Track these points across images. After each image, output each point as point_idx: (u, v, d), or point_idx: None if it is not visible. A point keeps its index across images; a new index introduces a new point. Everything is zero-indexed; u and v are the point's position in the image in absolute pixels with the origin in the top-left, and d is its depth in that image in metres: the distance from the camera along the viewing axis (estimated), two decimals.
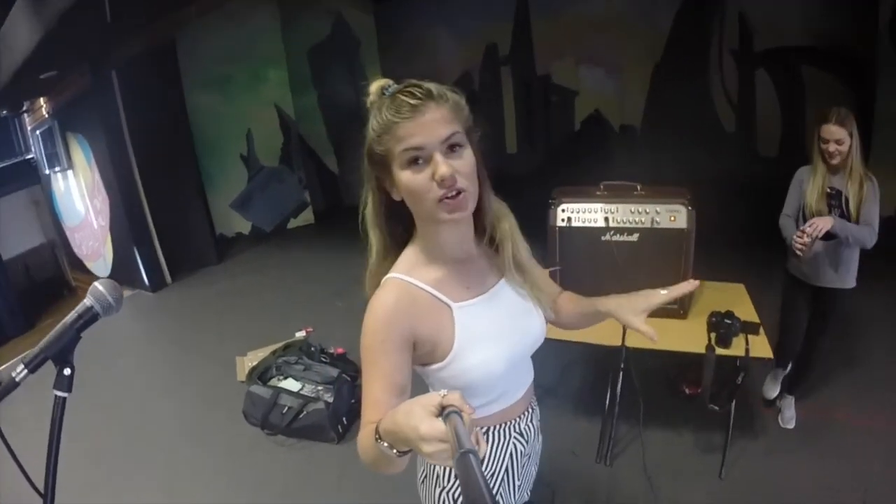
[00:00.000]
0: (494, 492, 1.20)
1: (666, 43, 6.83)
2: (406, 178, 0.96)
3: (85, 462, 2.90)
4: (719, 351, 2.29)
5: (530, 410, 1.27)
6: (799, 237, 2.26)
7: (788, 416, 2.78)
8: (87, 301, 0.99)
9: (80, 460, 2.86)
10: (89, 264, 6.42)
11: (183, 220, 5.73)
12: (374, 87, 1.01)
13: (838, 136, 2.28)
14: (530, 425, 1.27)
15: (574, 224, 2.51)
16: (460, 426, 0.68)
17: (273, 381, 3.24)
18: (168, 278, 5.59)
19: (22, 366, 0.89)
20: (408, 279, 1.05)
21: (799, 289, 2.61)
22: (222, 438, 3.09)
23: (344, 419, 3.04)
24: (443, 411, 0.73)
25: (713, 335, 2.34)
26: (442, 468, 1.18)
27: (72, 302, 4.75)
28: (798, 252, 2.30)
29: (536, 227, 2.62)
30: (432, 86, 0.97)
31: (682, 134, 6.89)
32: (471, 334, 1.06)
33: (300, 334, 4.02)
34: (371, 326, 1.01)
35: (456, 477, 1.15)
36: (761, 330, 2.36)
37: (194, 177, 5.87)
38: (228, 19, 5.89)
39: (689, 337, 2.37)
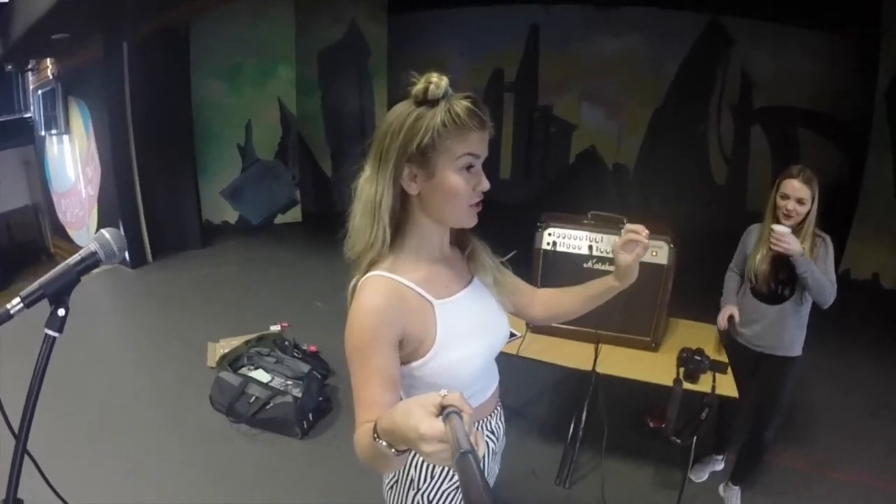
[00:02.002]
0: (451, 496, 1.22)
1: (668, 89, 7.01)
2: (455, 179, 1.01)
3: (46, 433, 2.86)
4: (687, 385, 2.32)
5: (498, 409, 1.32)
6: (776, 238, 2.10)
7: None
8: (92, 246, 1.01)
9: (40, 431, 2.82)
10: (72, 232, 6.37)
11: (172, 201, 5.70)
12: (443, 82, 0.99)
13: (801, 195, 2.13)
14: (500, 424, 1.31)
15: (559, 249, 2.56)
16: (460, 426, 0.69)
17: (243, 370, 3.22)
18: (149, 256, 5.53)
19: (19, 299, 0.90)
20: (393, 276, 1.06)
21: (742, 355, 2.46)
22: (186, 421, 3.07)
23: (310, 416, 3.04)
24: (442, 411, 0.73)
25: (682, 370, 2.38)
26: (416, 471, 1.19)
27: (49, 267, 4.69)
28: (775, 241, 2.11)
29: (521, 252, 2.68)
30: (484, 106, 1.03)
31: (673, 179, 7.06)
32: (451, 331, 1.09)
33: (275, 328, 4.02)
34: (362, 325, 1.01)
35: (433, 477, 1.19)
36: (729, 370, 2.41)
37: (189, 160, 5.86)
38: (245, 12, 5.95)
39: (658, 369, 2.42)
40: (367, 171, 1.07)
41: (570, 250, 2.56)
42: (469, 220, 1.08)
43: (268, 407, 2.99)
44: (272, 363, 3.29)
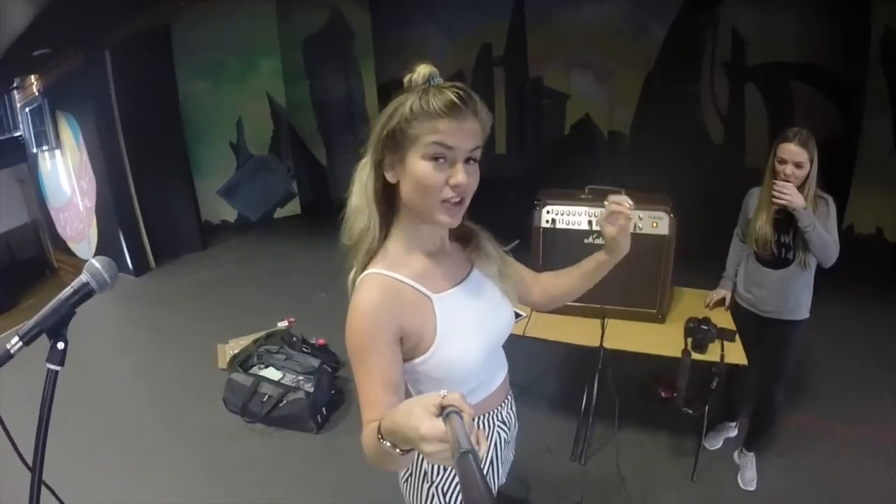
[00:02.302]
0: None
1: (658, 52, 6.92)
2: (423, 169, 0.98)
3: (58, 445, 2.88)
4: (695, 356, 2.33)
5: (509, 399, 1.32)
6: (778, 190, 2.09)
7: (749, 477, 2.55)
8: (83, 277, 1.00)
9: (52, 443, 2.85)
10: (73, 245, 6.37)
11: (169, 205, 5.70)
12: (423, 71, 1.00)
13: (798, 159, 2.10)
14: (511, 413, 1.32)
15: (558, 226, 2.54)
16: (460, 426, 0.69)
17: (254, 370, 3.25)
18: (152, 262, 5.56)
19: (17, 337, 0.90)
20: (388, 273, 1.05)
21: (747, 321, 2.46)
22: (201, 425, 3.10)
23: (324, 409, 3.06)
24: (443, 411, 0.73)
25: (689, 340, 2.38)
26: (428, 465, 1.19)
27: (53, 283, 4.72)
28: (777, 194, 2.09)
29: (521, 227, 2.66)
30: (476, 97, 1.00)
31: (670, 143, 6.99)
32: (452, 324, 1.08)
33: (282, 324, 4.02)
34: (359, 324, 1.00)
35: (445, 470, 1.20)
36: (737, 337, 2.41)
37: (182, 162, 5.86)
38: (225, 7, 5.87)
39: (665, 341, 2.43)
40: (363, 158, 1.07)
41: (570, 226, 2.55)
42: (441, 217, 1.02)
43: (281, 404, 3.02)
44: (282, 360, 3.31)
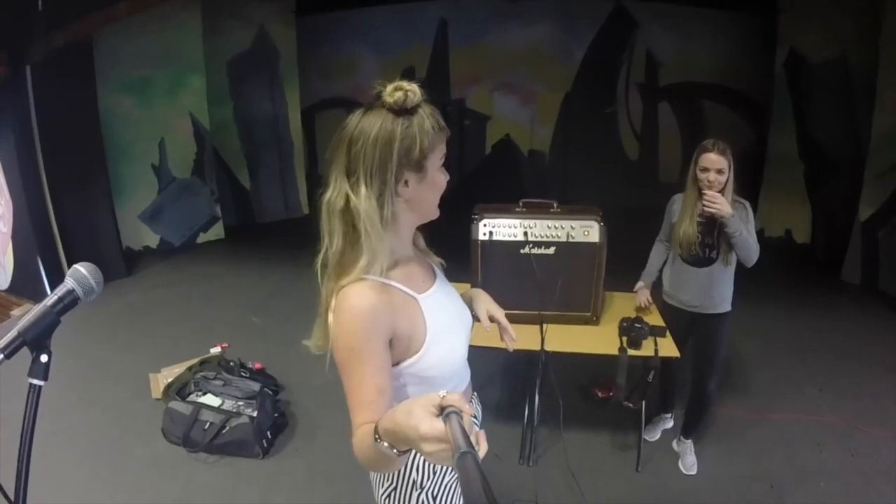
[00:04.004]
0: (453, 487, 1.24)
1: (577, 74, 7.28)
2: (440, 176, 1.11)
3: None
4: (631, 352, 2.49)
5: (475, 396, 1.38)
6: (709, 200, 2.25)
7: (689, 462, 2.76)
8: (68, 283, 0.96)
9: None
10: None
11: (91, 230, 5.38)
12: (417, 89, 1.03)
13: (720, 166, 2.30)
14: (477, 409, 1.39)
15: (495, 238, 2.64)
16: (460, 426, 0.69)
17: (192, 397, 3.14)
18: None
19: None
20: (377, 278, 1.05)
21: (676, 318, 2.65)
22: (142, 457, 2.94)
23: (268, 433, 3.00)
24: (442, 411, 0.74)
25: (625, 338, 2.55)
26: (418, 473, 1.19)
27: None
28: (708, 204, 2.26)
29: (447, 247, 2.75)
30: None
31: (588, 160, 7.38)
32: (439, 323, 1.12)
33: (215, 350, 3.91)
34: (354, 325, 1.00)
35: (435, 474, 1.21)
36: (668, 333, 2.59)
37: (104, 185, 5.53)
38: (151, 21, 5.62)
39: (602, 341, 2.59)
40: (355, 188, 1.03)
41: (507, 238, 2.65)
42: (436, 212, 1.16)
43: (224, 431, 2.93)
44: (220, 386, 3.22)
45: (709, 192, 2.28)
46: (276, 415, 3.12)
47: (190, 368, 3.45)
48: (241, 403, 3.10)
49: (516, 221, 2.65)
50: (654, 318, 2.71)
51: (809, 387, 3.48)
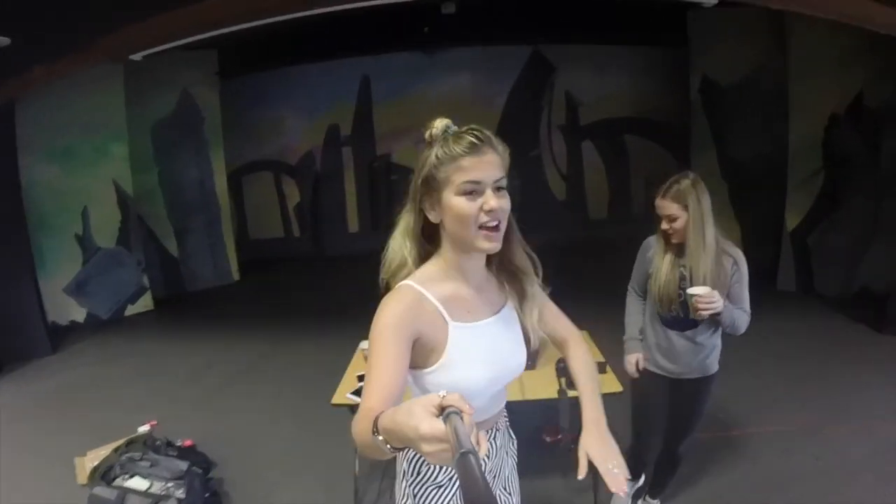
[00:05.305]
0: None
1: (499, 121, 7.51)
2: (459, 203, 1.13)
3: None
4: (571, 393, 2.39)
5: (492, 430, 1.37)
6: (703, 307, 1.93)
7: None
8: None
9: None
10: None
11: (14, 306, 5.11)
12: (440, 124, 1.16)
13: (669, 212, 2.03)
14: (493, 442, 1.37)
15: None
16: (460, 426, 0.70)
17: (118, 481, 2.93)
18: None
19: None
20: (421, 289, 1.18)
21: (654, 384, 2.32)
22: None
23: None
24: (443, 412, 0.75)
25: (562, 380, 2.49)
26: (408, 464, 1.31)
27: None
28: (704, 309, 1.94)
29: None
30: (490, 134, 1.16)
31: (517, 205, 7.51)
32: (461, 353, 1.18)
33: (144, 428, 3.66)
34: (385, 317, 1.12)
35: (420, 473, 1.30)
36: (608, 368, 2.58)
37: (27, 258, 5.26)
38: (73, 88, 5.50)
39: (541, 385, 2.54)
40: (406, 206, 1.25)
41: None
42: (480, 242, 1.15)
43: None
44: (147, 467, 3.02)
45: (700, 300, 1.93)
46: (206, 495, 2.95)
47: (116, 450, 3.25)
48: (169, 485, 2.91)
49: None
50: (593, 355, 2.67)
51: (765, 397, 3.56)
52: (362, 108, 7.75)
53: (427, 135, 1.18)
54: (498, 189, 1.15)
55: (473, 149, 1.11)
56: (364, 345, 2.93)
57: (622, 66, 7.30)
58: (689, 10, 6.19)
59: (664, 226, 2.07)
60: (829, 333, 4.50)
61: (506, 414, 1.46)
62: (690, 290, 1.96)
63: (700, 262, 2.00)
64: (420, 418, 0.75)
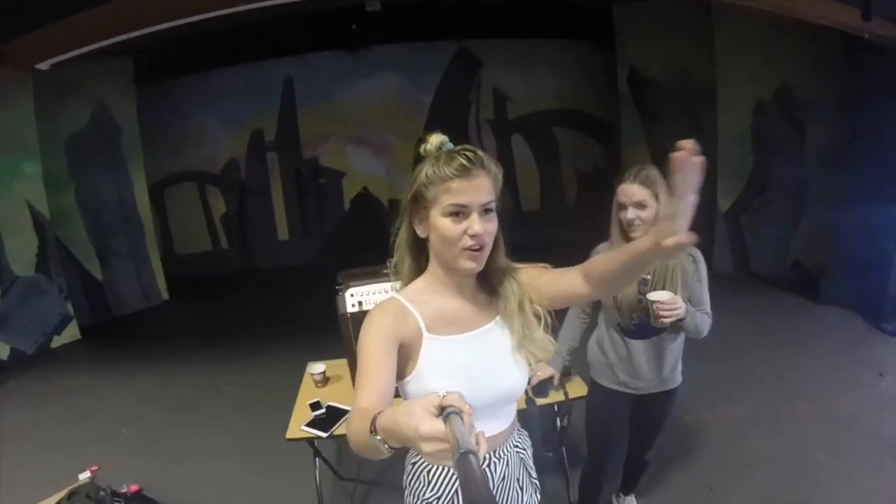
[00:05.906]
0: None
1: (426, 119, 7.50)
2: (444, 224, 1.15)
3: None
4: (540, 401, 2.35)
5: (488, 457, 1.30)
6: (664, 314, 1.80)
7: None
8: None
9: None
10: None
11: None
12: (434, 140, 1.19)
13: (639, 198, 1.82)
14: (489, 470, 1.30)
15: (366, 307, 2.47)
16: (460, 427, 0.70)
17: None
18: None
19: None
20: (405, 303, 1.24)
21: (616, 403, 2.17)
22: None
23: None
24: (442, 412, 0.75)
25: (529, 389, 2.35)
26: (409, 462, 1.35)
27: None
28: (665, 317, 1.81)
29: (323, 316, 2.59)
30: (483, 155, 1.18)
31: None
32: (433, 365, 1.20)
33: (84, 476, 3.48)
34: (371, 325, 1.18)
35: (416, 475, 1.33)
36: (573, 373, 2.54)
37: None
38: None
39: None
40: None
41: None
42: (462, 263, 1.18)
43: None
44: None
45: (661, 307, 1.80)
46: None
47: (58, 503, 3.07)
48: None
49: (386, 285, 2.49)
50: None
51: (716, 381, 3.62)
52: (286, 111, 7.56)
53: (421, 149, 1.21)
54: (486, 212, 1.17)
55: (463, 171, 1.13)
56: (312, 368, 2.87)
57: (550, 61, 7.39)
58: (616, 4, 6.33)
59: (630, 215, 1.85)
60: (771, 310, 4.69)
61: (518, 444, 1.38)
62: (651, 296, 1.82)
63: (661, 261, 1.84)
64: (420, 418, 0.76)
